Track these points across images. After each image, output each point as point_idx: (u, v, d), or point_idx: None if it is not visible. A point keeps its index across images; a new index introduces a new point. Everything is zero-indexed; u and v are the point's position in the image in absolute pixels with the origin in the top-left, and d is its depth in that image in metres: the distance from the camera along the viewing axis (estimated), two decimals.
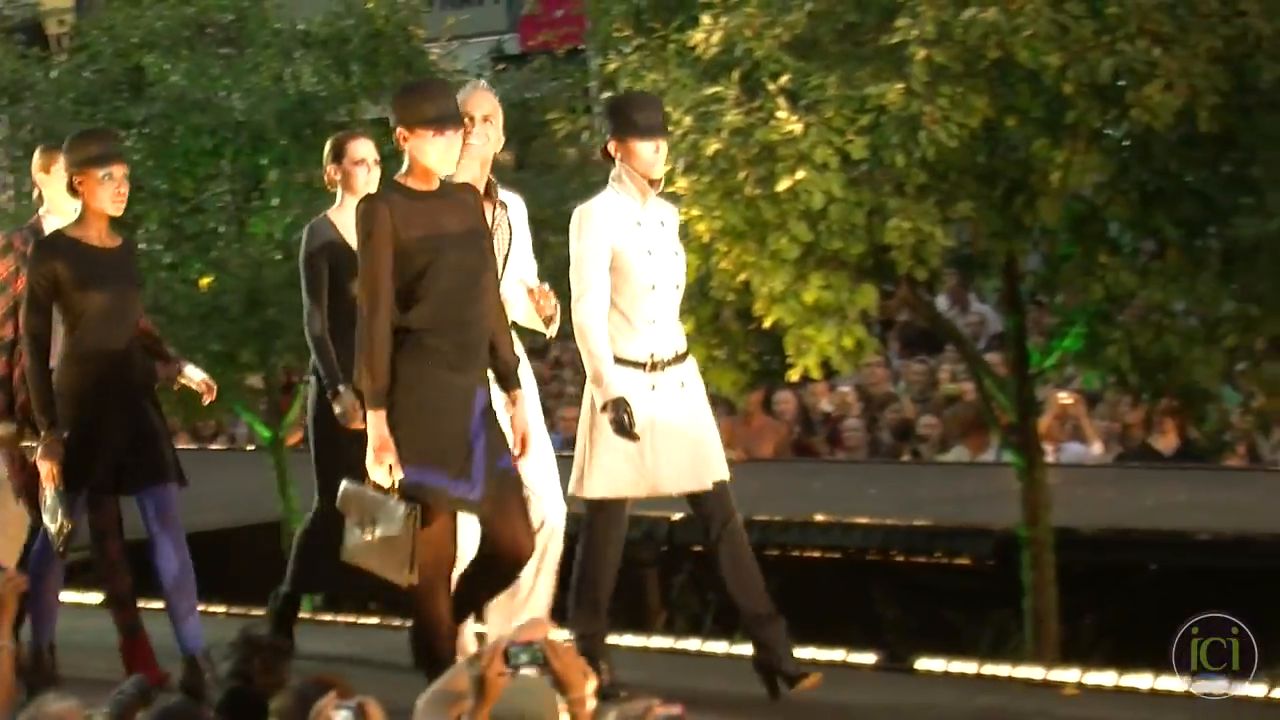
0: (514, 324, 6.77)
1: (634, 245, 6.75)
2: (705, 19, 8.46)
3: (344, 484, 6.39)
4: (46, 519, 7.26)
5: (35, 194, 7.88)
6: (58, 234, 7.31)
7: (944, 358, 14.04)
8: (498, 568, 6.46)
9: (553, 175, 11.63)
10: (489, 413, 6.34)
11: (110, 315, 7.25)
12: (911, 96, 7.97)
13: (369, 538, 6.12)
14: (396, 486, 6.19)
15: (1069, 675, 7.72)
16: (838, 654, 7.41)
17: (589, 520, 6.95)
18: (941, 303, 13.50)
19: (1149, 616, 9.33)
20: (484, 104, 6.86)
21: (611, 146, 6.82)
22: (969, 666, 7.78)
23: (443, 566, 6.33)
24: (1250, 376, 9.13)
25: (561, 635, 4.89)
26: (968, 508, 11.06)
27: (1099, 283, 8.45)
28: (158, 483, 7.33)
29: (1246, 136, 8.47)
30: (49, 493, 7.16)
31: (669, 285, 6.87)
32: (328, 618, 9.84)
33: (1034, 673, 7.90)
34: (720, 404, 9.81)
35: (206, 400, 7.76)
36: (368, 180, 7.55)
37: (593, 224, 6.78)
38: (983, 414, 10.23)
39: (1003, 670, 8.07)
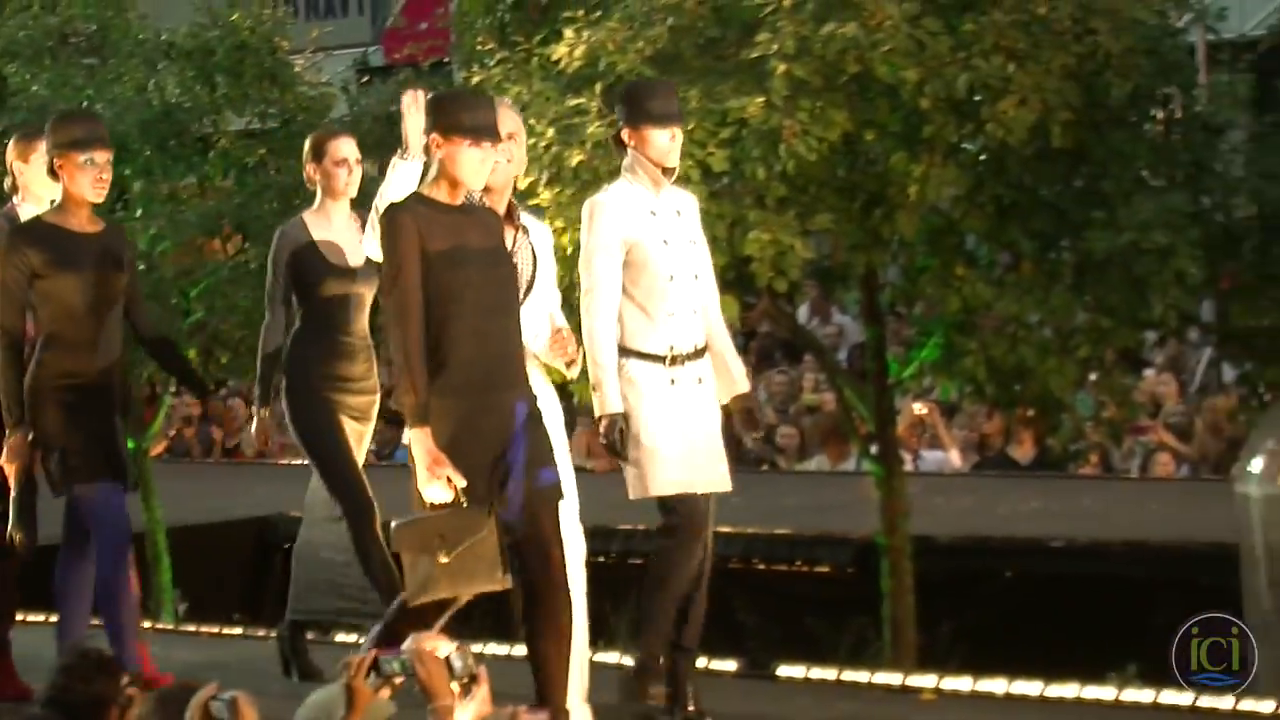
0: (534, 356, 6.45)
1: (649, 235, 6.47)
2: (568, 33, 8.48)
3: (395, 526, 6.03)
4: (11, 526, 6.89)
5: (9, 183, 7.49)
6: (36, 219, 7.00)
7: (804, 368, 14.22)
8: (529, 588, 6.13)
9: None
10: (531, 423, 6.04)
11: (90, 304, 6.92)
12: (772, 110, 8.01)
13: (444, 560, 5.76)
14: (461, 495, 5.87)
15: (926, 681, 7.80)
16: (700, 661, 7.40)
17: (666, 525, 6.57)
18: (802, 314, 13.68)
19: (1004, 622, 9.48)
20: (507, 121, 6.49)
21: (624, 135, 6.53)
22: (829, 673, 7.83)
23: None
24: (1102, 386, 9.30)
25: (446, 646, 4.75)
26: (828, 516, 11.16)
27: (956, 294, 8.56)
28: (111, 481, 6.98)
29: (1097, 151, 8.64)
30: (15, 497, 6.84)
31: (688, 275, 6.56)
32: (191, 628, 9.78)
33: (892, 679, 7.98)
34: (583, 414, 9.85)
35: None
36: (348, 181, 7.35)
37: (603, 216, 6.49)
38: (842, 423, 10.35)
39: (862, 677, 8.14)
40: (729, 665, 8.16)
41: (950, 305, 8.70)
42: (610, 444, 6.38)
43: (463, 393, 5.92)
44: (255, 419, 7.26)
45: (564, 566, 6.05)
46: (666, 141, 6.47)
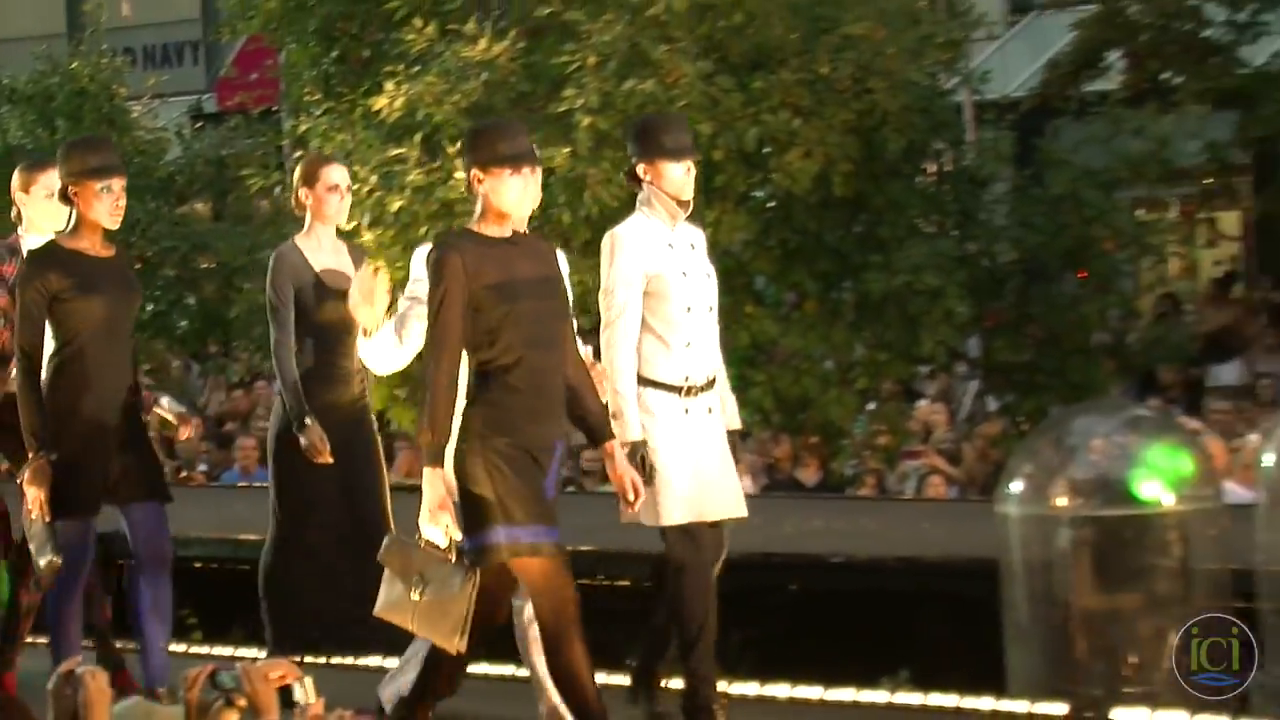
0: None
1: (668, 268, 6.33)
2: (389, 85, 8.74)
3: (388, 538, 5.96)
4: (35, 552, 6.65)
5: (15, 213, 7.32)
6: (53, 244, 6.86)
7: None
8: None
9: (248, 226, 11.77)
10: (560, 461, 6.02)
11: (109, 326, 6.81)
12: (577, 160, 8.37)
13: (415, 597, 5.74)
14: (453, 548, 5.73)
15: (717, 686, 8.17)
16: (506, 669, 7.67)
17: (677, 555, 6.49)
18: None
19: (789, 632, 9.85)
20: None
21: (640, 169, 6.28)
22: (624, 680, 8.13)
23: (568, 611, 5.83)
24: (878, 415, 9.73)
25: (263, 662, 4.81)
26: (629, 535, 11.42)
27: (745, 330, 8.96)
28: (151, 500, 6.85)
29: (875, 200, 9.09)
30: (37, 524, 6.62)
31: (703, 307, 6.41)
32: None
33: (680, 684, 8.34)
34: (404, 438, 10.10)
35: (184, 436, 7.40)
36: (339, 208, 7.17)
37: (624, 249, 6.28)
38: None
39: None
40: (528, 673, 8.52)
41: (740, 340, 9.07)
42: (636, 470, 6.19)
43: (509, 427, 5.78)
44: (306, 434, 6.95)
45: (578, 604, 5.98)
46: (681, 174, 6.24)
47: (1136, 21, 14.98)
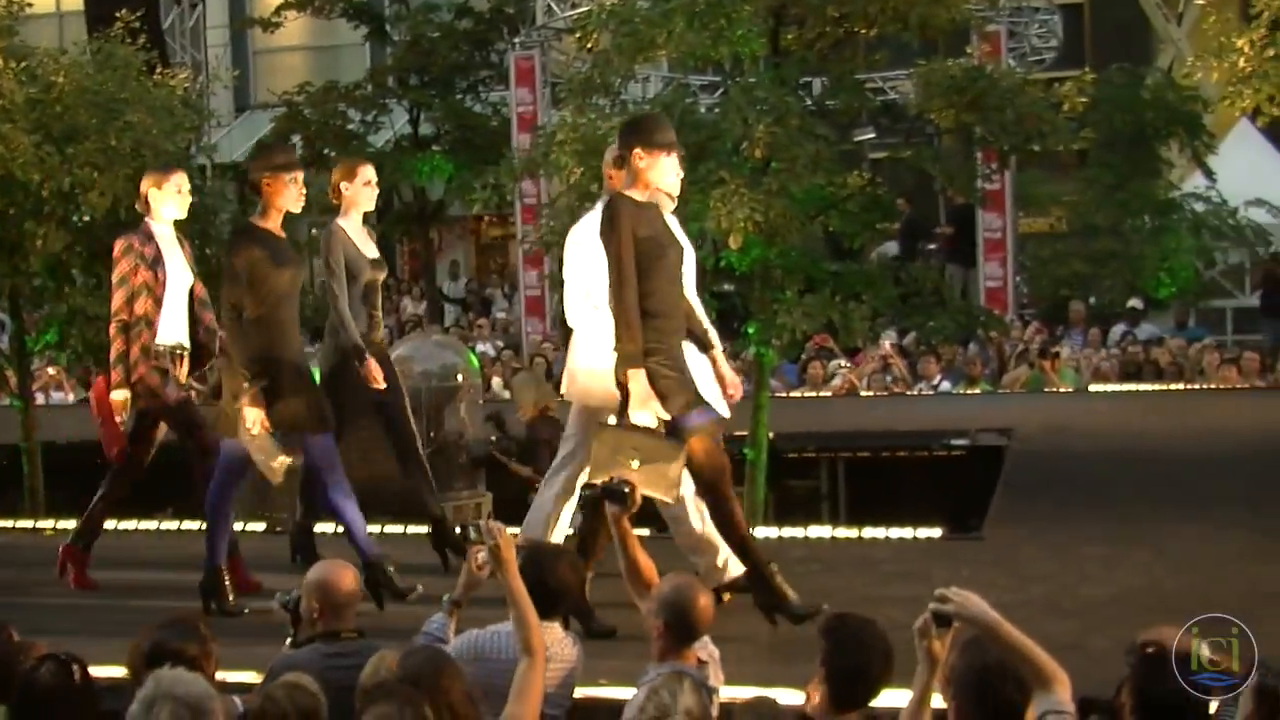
0: None
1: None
2: None
3: (600, 426, 6.44)
4: (262, 459, 7.15)
5: (142, 202, 7.79)
6: (250, 225, 7.31)
7: None
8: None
9: None
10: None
11: (290, 291, 7.26)
12: None
13: (635, 466, 6.04)
14: (662, 425, 6.27)
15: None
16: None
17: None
18: None
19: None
20: None
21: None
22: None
23: (726, 474, 6.45)
24: None
25: None
26: None
27: (65, 303, 10.92)
28: (327, 429, 7.31)
29: None
30: (262, 436, 7.09)
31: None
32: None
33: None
34: None
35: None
36: (371, 196, 7.78)
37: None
38: None
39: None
40: None
41: (59, 310, 10.97)
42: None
43: (667, 338, 6.37)
44: (368, 365, 7.48)
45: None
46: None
47: (308, 118, 20.68)
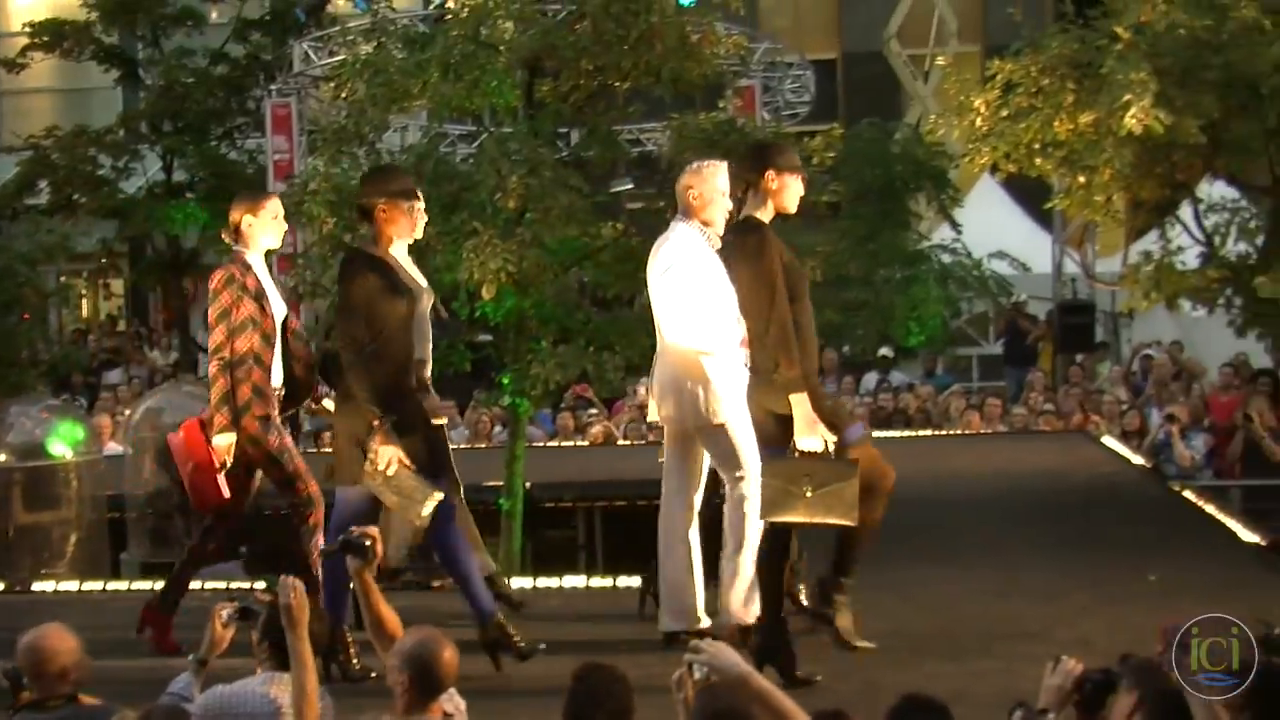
0: None
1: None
2: None
3: (766, 459, 6.26)
4: (401, 500, 6.54)
5: (234, 232, 7.09)
6: (359, 252, 6.89)
7: None
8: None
9: None
10: None
11: (409, 319, 6.76)
12: None
13: (808, 493, 5.98)
14: (829, 448, 6.20)
15: None
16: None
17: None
18: None
19: None
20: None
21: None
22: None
23: (888, 480, 6.57)
24: None
25: None
26: None
27: None
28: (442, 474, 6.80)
29: None
30: (401, 474, 6.51)
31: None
32: None
33: None
34: None
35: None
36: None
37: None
38: None
39: None
40: None
41: None
42: None
43: (810, 360, 6.51)
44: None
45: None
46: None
47: (56, 163, 20.21)
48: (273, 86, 21.30)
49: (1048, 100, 10.22)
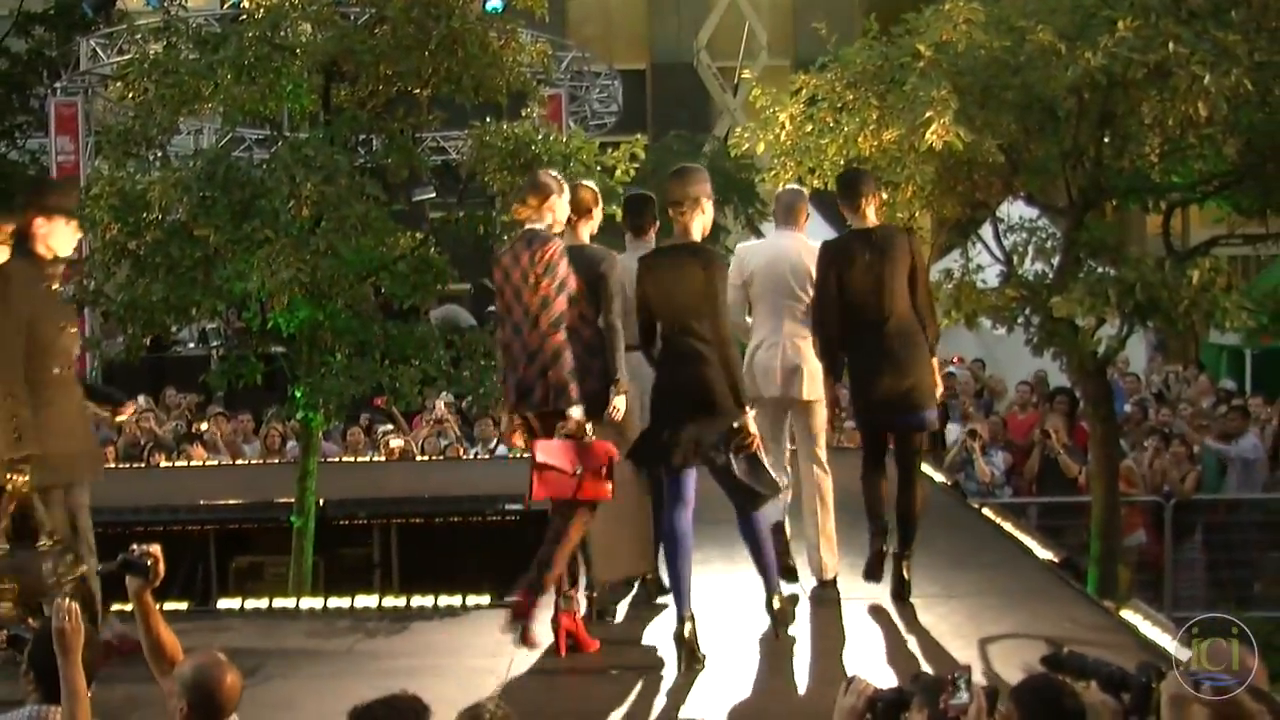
0: None
1: None
2: None
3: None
4: (774, 479, 7.18)
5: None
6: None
7: None
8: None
9: None
10: None
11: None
12: None
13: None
14: None
15: None
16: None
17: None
18: None
19: None
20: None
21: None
22: None
23: None
24: None
25: None
26: None
27: None
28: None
29: None
30: (761, 455, 7.08)
31: None
32: None
33: None
34: None
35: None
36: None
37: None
38: None
39: None
40: None
41: None
42: None
43: None
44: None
45: None
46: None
47: None
48: (57, 85, 20.80)
49: (852, 116, 10.41)
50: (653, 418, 7.06)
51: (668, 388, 6.98)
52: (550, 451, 6.89)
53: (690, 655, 6.89)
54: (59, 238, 7.02)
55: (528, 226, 7.08)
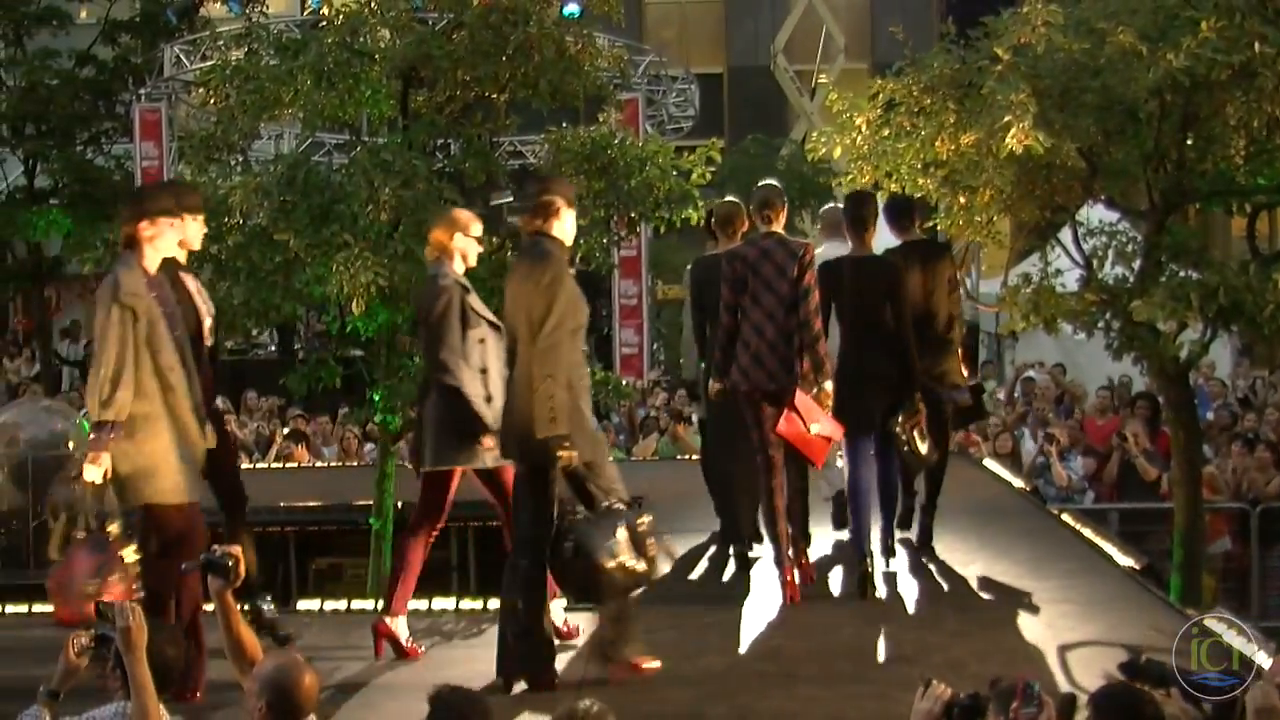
0: None
1: None
2: None
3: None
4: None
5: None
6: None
7: None
8: None
9: None
10: None
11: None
12: None
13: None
14: None
15: None
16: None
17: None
18: None
19: None
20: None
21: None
22: None
23: None
24: None
25: None
26: None
27: None
28: None
29: None
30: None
31: None
32: None
33: None
34: None
35: None
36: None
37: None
38: None
39: None
40: None
41: None
42: None
43: None
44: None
45: None
46: None
47: None
48: (142, 91, 21.06)
49: (929, 120, 10.37)
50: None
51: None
52: (807, 406, 7.87)
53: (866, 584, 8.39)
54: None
55: (773, 229, 8.24)
